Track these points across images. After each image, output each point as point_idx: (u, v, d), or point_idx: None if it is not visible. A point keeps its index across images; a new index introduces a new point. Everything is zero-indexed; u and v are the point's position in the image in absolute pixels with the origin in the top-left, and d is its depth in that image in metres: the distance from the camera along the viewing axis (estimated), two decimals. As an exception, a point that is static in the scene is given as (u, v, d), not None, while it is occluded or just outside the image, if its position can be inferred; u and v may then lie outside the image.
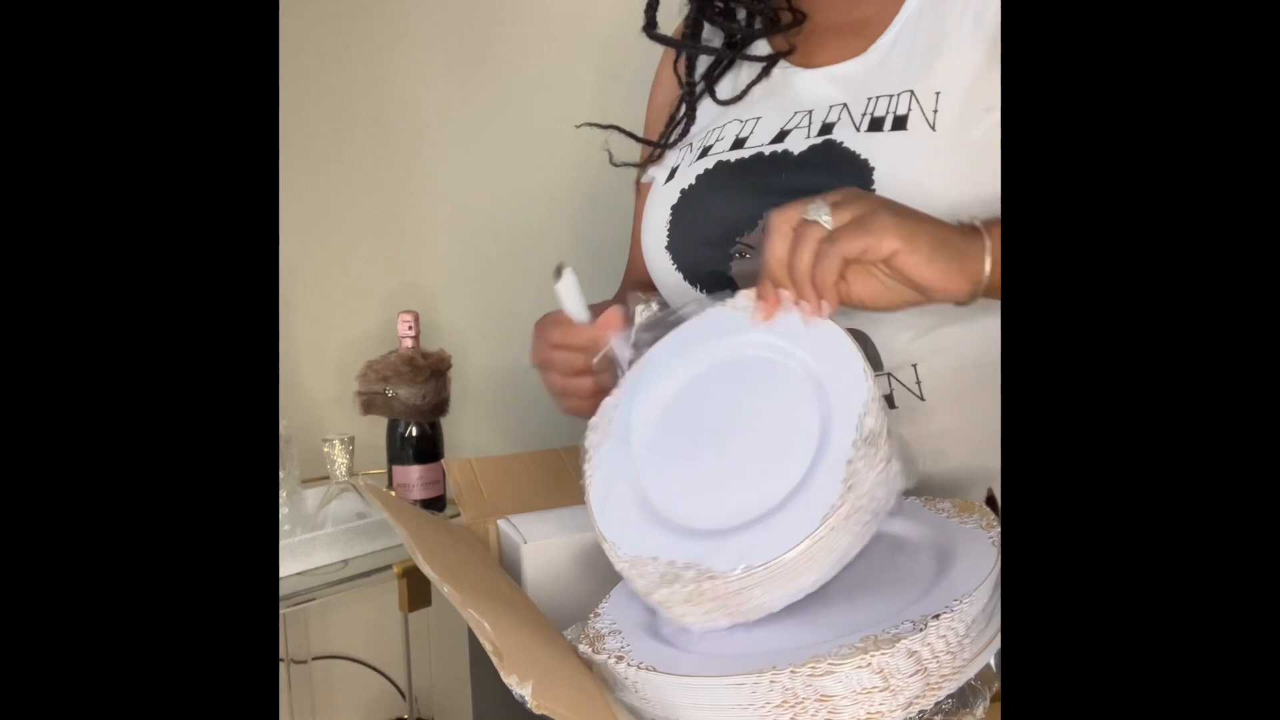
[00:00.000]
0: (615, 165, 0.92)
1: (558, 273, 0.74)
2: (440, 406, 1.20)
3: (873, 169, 0.70)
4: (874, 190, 0.70)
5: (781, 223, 0.60)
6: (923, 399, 0.73)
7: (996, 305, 0.71)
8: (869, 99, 0.74)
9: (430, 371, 1.18)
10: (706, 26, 0.88)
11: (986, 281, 0.61)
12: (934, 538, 0.59)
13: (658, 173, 0.88)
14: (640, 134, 0.92)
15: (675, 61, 0.91)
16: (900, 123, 0.71)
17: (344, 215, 1.36)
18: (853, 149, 0.72)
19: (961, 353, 0.73)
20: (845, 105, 0.75)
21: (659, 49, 0.91)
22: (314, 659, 1.42)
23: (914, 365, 0.73)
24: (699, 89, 0.87)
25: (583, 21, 1.32)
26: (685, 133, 0.87)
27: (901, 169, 0.69)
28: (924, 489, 0.63)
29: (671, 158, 0.86)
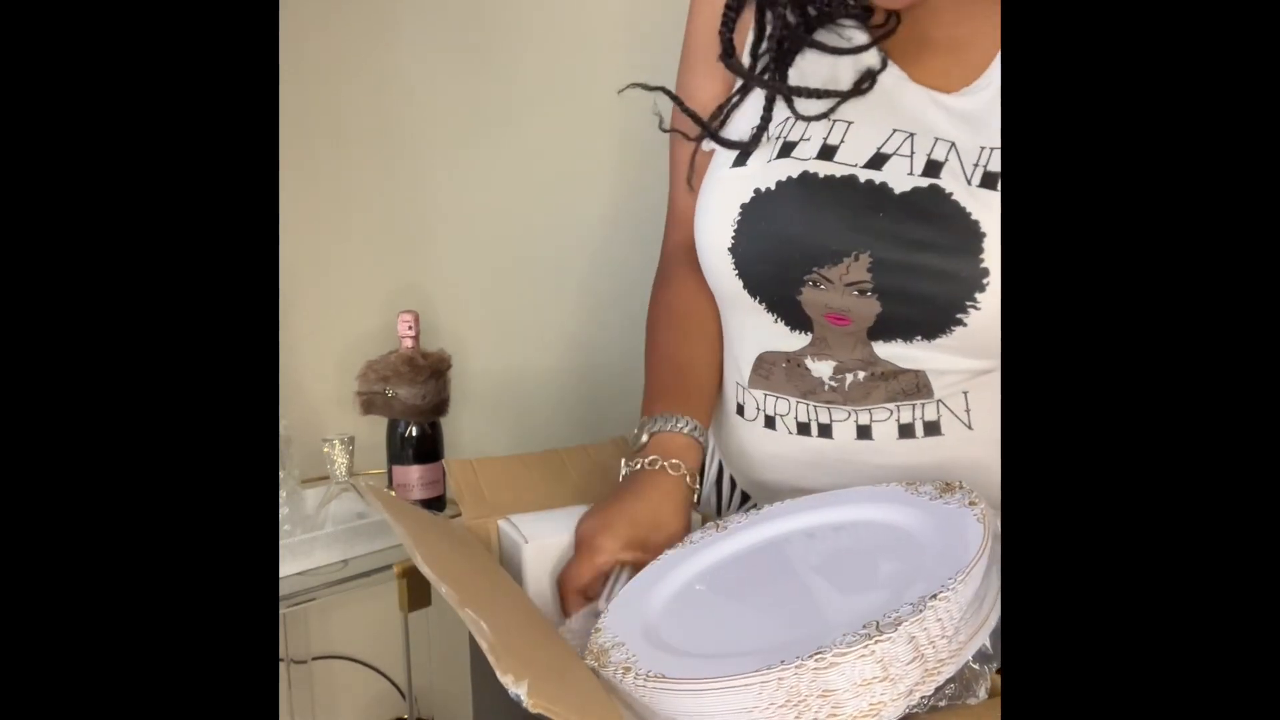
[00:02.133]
0: (665, 131, 0.80)
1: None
2: (440, 406, 1.20)
3: (984, 234, 0.64)
4: (981, 257, 0.64)
5: None
6: (970, 428, 0.72)
7: None
8: (981, 148, 0.67)
9: (430, 371, 1.18)
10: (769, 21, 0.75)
11: None
12: (920, 521, 0.59)
13: (719, 147, 0.76)
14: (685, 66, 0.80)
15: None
16: None
17: (344, 215, 1.36)
18: (963, 205, 0.65)
19: None
20: (954, 146, 0.68)
21: (661, 49, 0.87)
22: (314, 659, 1.42)
23: (965, 393, 0.71)
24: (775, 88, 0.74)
25: (589, 19, 1.32)
26: (771, 99, 0.73)
27: None
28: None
29: (738, 126, 0.75)
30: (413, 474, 1.19)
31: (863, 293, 0.68)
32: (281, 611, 1.09)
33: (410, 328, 1.19)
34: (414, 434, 1.19)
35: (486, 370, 1.38)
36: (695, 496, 0.73)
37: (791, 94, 0.73)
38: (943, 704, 0.51)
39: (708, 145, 0.77)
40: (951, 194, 0.66)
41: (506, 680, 0.45)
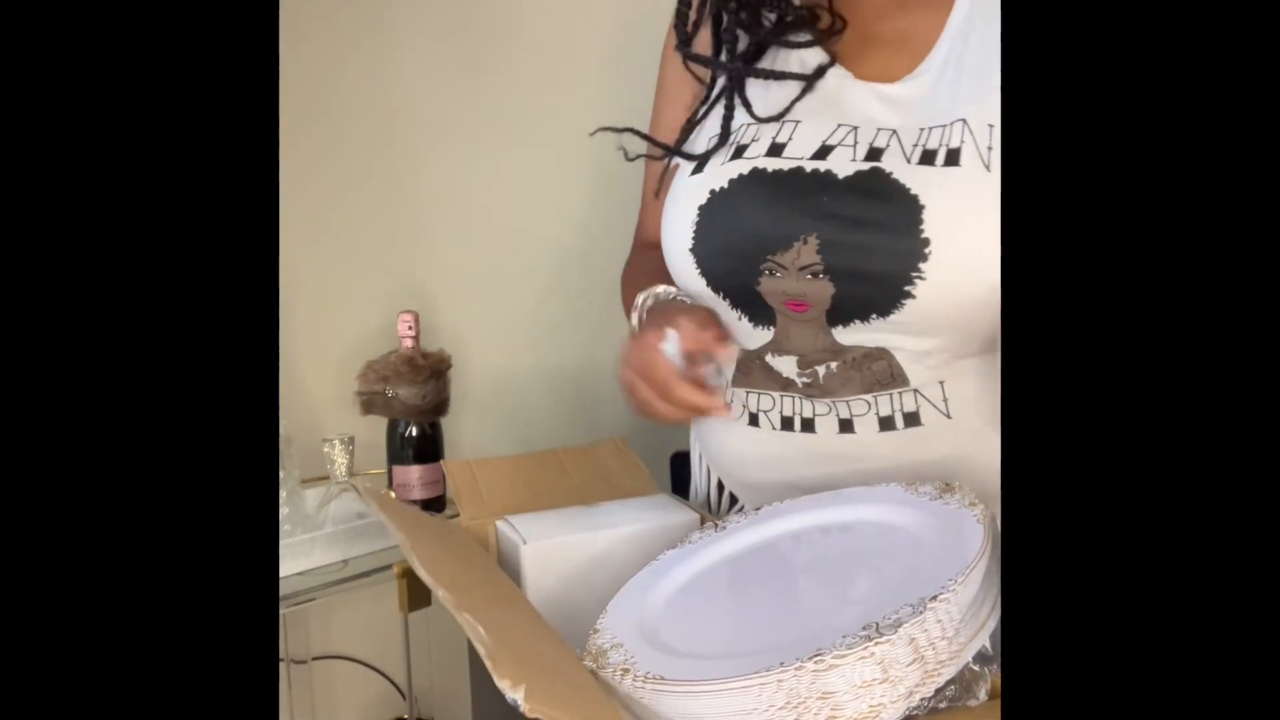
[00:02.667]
0: (630, 160, 0.87)
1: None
2: (440, 406, 1.20)
3: (923, 206, 0.67)
4: (922, 228, 0.67)
5: None
6: (949, 416, 0.73)
7: None
8: (921, 129, 0.71)
9: (430, 371, 1.18)
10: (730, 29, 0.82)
11: None
12: (920, 522, 0.59)
13: (682, 161, 0.82)
14: (648, 128, 0.88)
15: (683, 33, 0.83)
16: (953, 157, 0.68)
17: (344, 215, 1.36)
18: (903, 182, 0.69)
19: (986, 378, 0.73)
20: (895, 132, 0.72)
21: (660, 45, 0.88)
22: (314, 659, 1.42)
23: (941, 383, 0.73)
24: (734, 92, 0.80)
25: (584, 20, 1.32)
26: (730, 110, 0.80)
27: (954, 211, 0.67)
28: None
29: (699, 141, 0.81)
30: (413, 474, 1.19)
31: (815, 275, 0.71)
32: (281, 611, 1.09)
33: (410, 328, 1.19)
34: (414, 434, 1.19)
35: (486, 370, 1.39)
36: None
37: (746, 75, 0.79)
38: (943, 706, 0.51)
39: (673, 163, 0.84)
40: (891, 173, 0.70)
41: (504, 685, 0.45)
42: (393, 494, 1.20)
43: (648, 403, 0.71)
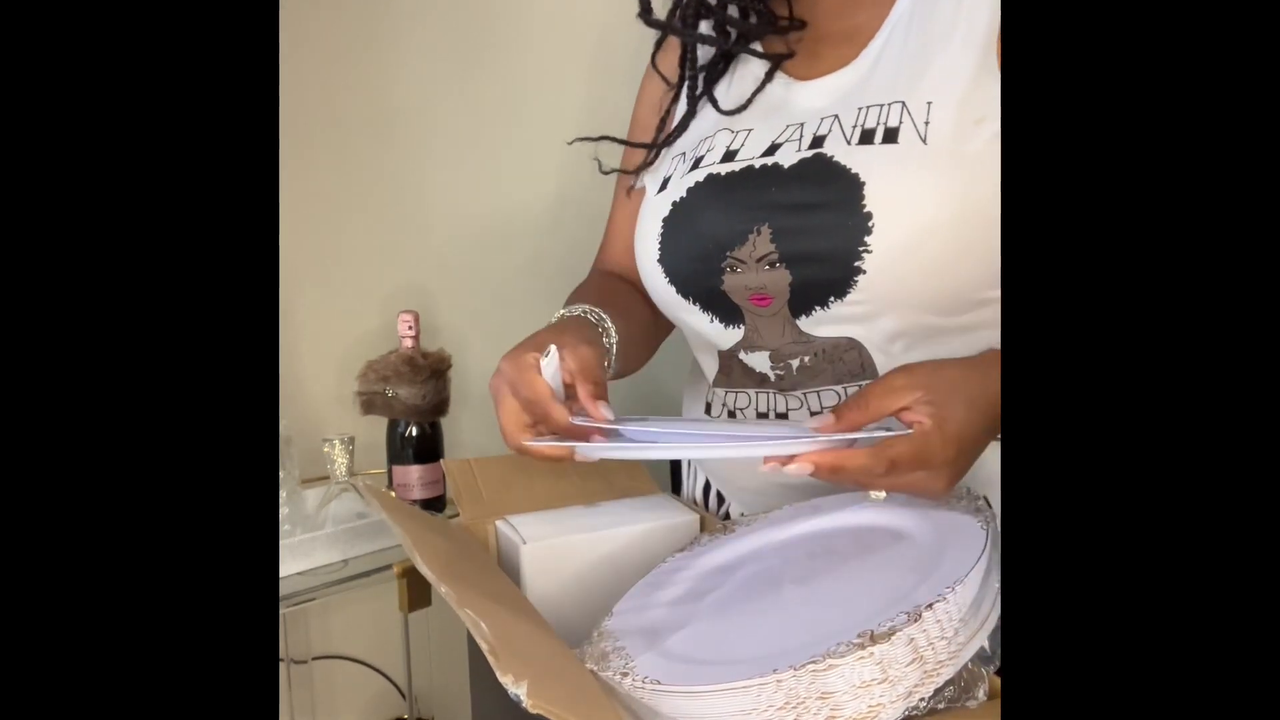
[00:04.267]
0: (605, 173, 0.92)
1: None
2: (440, 406, 1.20)
3: (863, 184, 0.69)
4: (864, 204, 0.69)
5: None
6: None
7: (987, 324, 0.72)
8: (859, 109, 0.73)
9: (430, 371, 1.18)
10: (701, 24, 0.87)
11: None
12: (923, 526, 0.59)
13: (650, 181, 0.88)
14: (630, 139, 0.92)
15: (656, 58, 0.90)
16: (891, 135, 0.70)
17: (344, 215, 1.36)
18: (843, 163, 0.71)
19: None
20: (836, 117, 0.75)
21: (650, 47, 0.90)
22: (314, 659, 1.42)
23: None
24: (699, 86, 0.86)
25: (580, 22, 1.32)
26: (684, 129, 0.86)
27: (892, 185, 0.69)
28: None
29: (664, 166, 0.86)
30: (413, 474, 1.19)
31: (772, 265, 0.73)
32: (281, 611, 1.09)
33: (410, 328, 1.19)
34: (414, 434, 1.19)
35: (486, 370, 1.38)
36: (608, 356, 0.76)
37: (699, 41, 0.85)
38: (942, 706, 0.51)
39: (639, 183, 0.91)
40: (833, 156, 0.72)
41: (506, 680, 0.45)
42: (392, 494, 1.20)
43: (501, 414, 0.70)
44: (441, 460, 1.20)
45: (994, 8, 0.70)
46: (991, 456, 0.72)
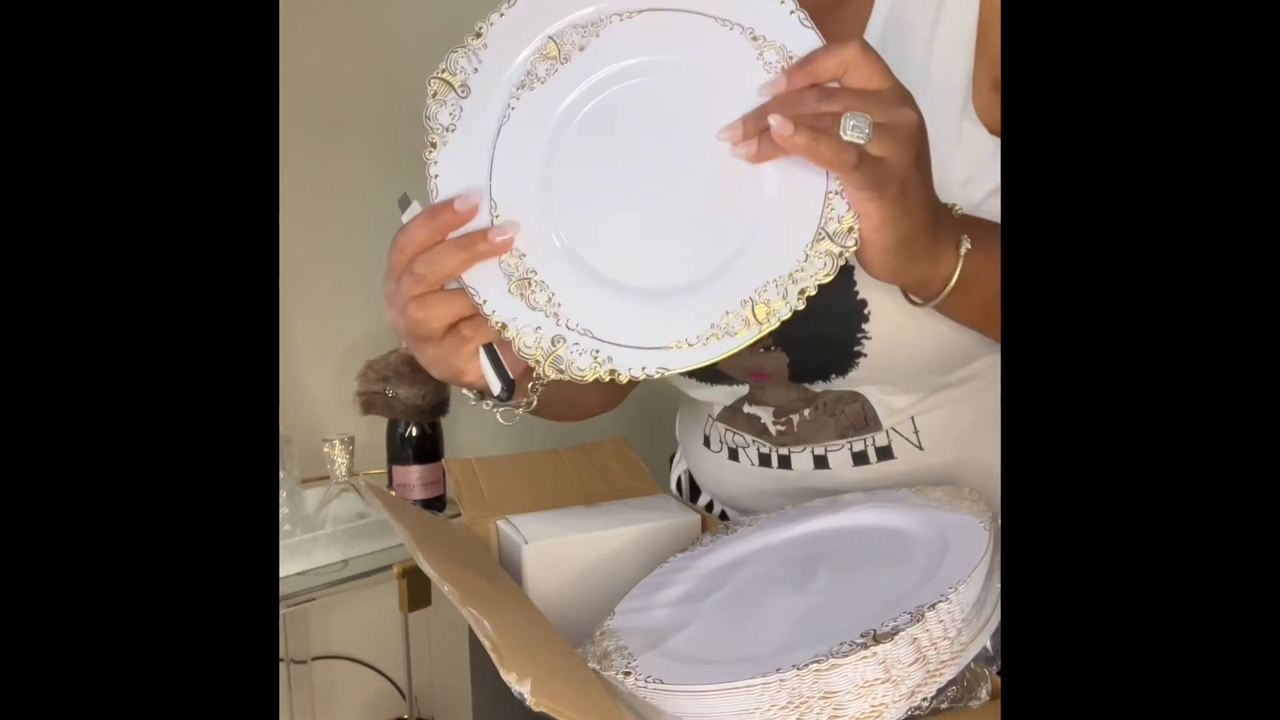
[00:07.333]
0: None
1: (402, 204, 0.63)
2: (440, 406, 1.20)
3: (853, 268, 0.65)
4: (856, 289, 0.66)
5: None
6: (921, 448, 0.74)
7: (989, 369, 0.71)
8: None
9: (430, 372, 1.18)
10: None
11: (933, 302, 0.58)
12: (926, 527, 0.59)
13: None
14: None
15: None
16: None
17: (344, 215, 1.36)
18: None
19: (957, 406, 0.73)
20: None
21: None
22: (314, 659, 1.42)
23: (912, 418, 0.73)
24: None
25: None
26: None
27: None
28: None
29: None
30: (413, 474, 1.19)
31: (767, 349, 0.70)
32: (281, 611, 1.09)
33: (410, 328, 1.19)
34: (414, 434, 1.19)
35: (486, 370, 1.38)
36: None
37: None
38: (945, 706, 0.51)
39: None
40: None
41: (510, 679, 0.45)
42: (393, 494, 1.20)
43: (403, 307, 0.60)
44: (443, 460, 1.20)
45: (967, 52, 0.65)
46: (992, 457, 0.72)
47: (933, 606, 0.49)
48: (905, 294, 0.62)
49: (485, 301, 0.57)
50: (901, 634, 0.48)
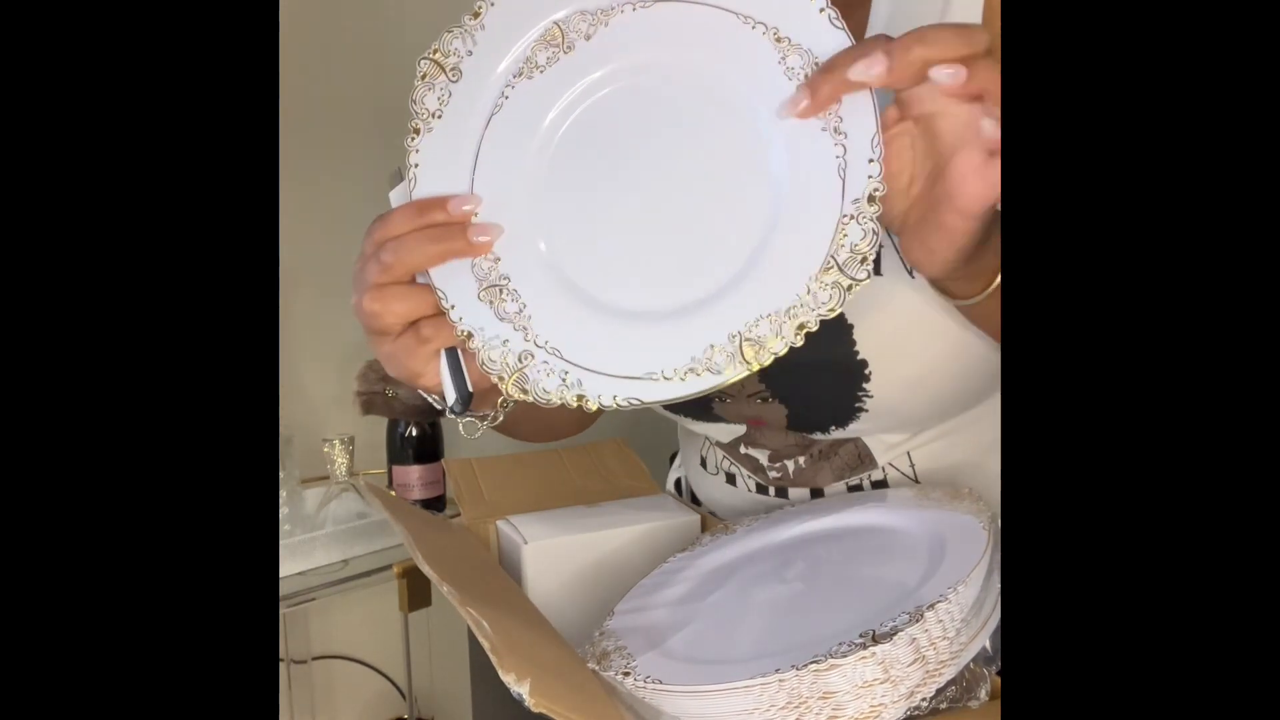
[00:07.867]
0: None
1: (393, 180, 0.59)
2: (440, 407, 1.20)
3: (851, 326, 0.64)
4: (856, 350, 0.65)
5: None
6: (917, 480, 0.74)
7: (985, 414, 0.70)
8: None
9: (430, 371, 1.18)
10: None
11: (978, 298, 0.54)
12: (925, 527, 0.59)
13: None
14: None
15: None
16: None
17: (344, 215, 1.36)
18: None
19: (951, 438, 0.73)
20: None
21: None
22: (314, 659, 1.43)
23: (908, 453, 0.73)
24: None
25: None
26: None
27: (883, 331, 0.64)
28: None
29: None
30: (413, 474, 1.19)
31: (764, 400, 0.70)
32: (281, 611, 1.09)
33: (410, 327, 1.19)
34: (414, 434, 1.19)
35: (486, 370, 1.38)
36: None
37: None
38: (944, 706, 0.51)
39: None
40: None
41: (509, 679, 0.45)
42: (393, 494, 1.20)
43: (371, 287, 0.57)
44: (443, 460, 1.20)
45: None
46: (992, 457, 0.72)
47: (932, 606, 0.49)
48: (943, 292, 0.57)
49: (453, 307, 0.54)
50: (900, 634, 0.48)
